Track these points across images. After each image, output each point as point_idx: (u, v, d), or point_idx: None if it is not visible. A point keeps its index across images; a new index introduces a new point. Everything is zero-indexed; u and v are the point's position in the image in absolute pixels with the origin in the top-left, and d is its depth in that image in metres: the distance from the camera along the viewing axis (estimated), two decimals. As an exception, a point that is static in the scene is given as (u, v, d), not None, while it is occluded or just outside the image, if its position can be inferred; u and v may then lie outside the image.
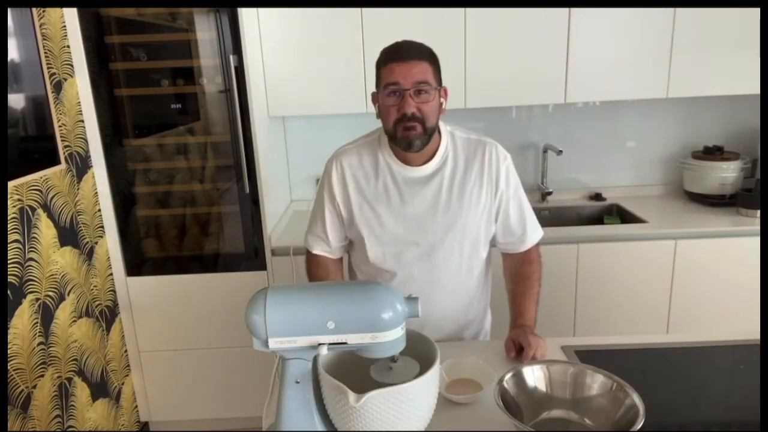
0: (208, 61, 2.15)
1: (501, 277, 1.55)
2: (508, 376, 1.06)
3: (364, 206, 1.38)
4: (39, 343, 1.83)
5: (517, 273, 1.47)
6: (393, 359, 1.00)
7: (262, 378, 2.26)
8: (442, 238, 1.36)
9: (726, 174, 2.51)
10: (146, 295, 2.32)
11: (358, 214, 1.38)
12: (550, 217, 2.72)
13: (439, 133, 1.38)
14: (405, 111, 1.25)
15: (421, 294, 1.35)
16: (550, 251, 2.26)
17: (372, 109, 1.37)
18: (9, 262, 1.71)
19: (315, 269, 1.49)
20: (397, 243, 1.37)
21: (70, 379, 2.00)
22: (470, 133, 1.43)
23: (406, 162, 1.36)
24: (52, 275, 1.92)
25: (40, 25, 1.88)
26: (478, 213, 1.38)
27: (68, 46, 2.05)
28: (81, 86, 2.10)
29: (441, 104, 1.32)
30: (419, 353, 1.02)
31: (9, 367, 1.69)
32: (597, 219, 2.73)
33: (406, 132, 1.27)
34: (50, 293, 1.90)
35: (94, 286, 2.18)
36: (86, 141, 2.15)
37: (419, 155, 1.35)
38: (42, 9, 1.90)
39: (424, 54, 1.28)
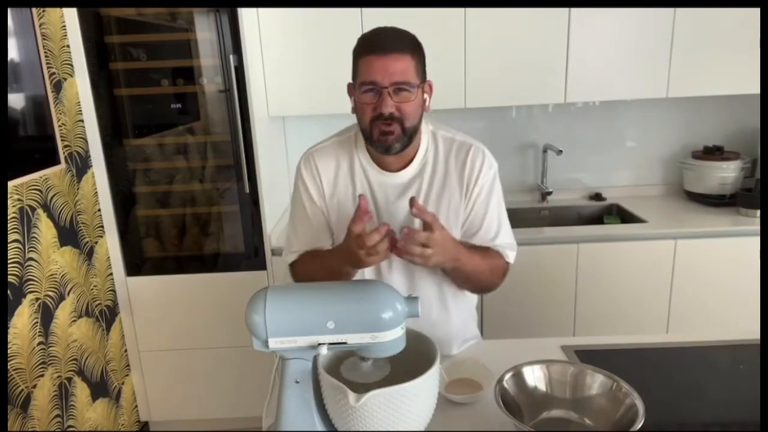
0: (208, 61, 2.15)
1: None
2: (508, 376, 1.06)
3: (341, 214, 1.27)
4: (39, 343, 1.83)
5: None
6: (363, 357, 0.99)
7: (262, 378, 2.25)
8: None
9: (726, 174, 2.51)
10: (146, 295, 2.32)
11: (334, 220, 1.29)
12: (550, 217, 2.72)
13: (420, 133, 1.26)
14: (382, 111, 1.13)
15: None
16: (550, 251, 2.28)
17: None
18: (9, 262, 1.71)
19: (308, 260, 1.30)
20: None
21: (70, 379, 2.00)
22: (456, 133, 1.31)
23: (383, 166, 1.26)
24: (52, 275, 1.92)
25: (40, 25, 1.88)
26: (458, 223, 1.28)
27: (68, 46, 2.05)
28: (81, 86, 2.10)
29: (424, 101, 1.20)
30: (419, 353, 1.02)
31: (9, 367, 1.69)
32: (597, 219, 2.73)
33: (384, 136, 1.16)
34: (50, 293, 1.90)
35: (94, 286, 2.18)
36: (86, 141, 2.15)
37: (397, 159, 1.24)
38: (42, 9, 1.89)
39: (406, 45, 1.15)
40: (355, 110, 1.21)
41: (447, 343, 1.37)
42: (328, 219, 1.31)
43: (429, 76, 1.24)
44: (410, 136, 1.19)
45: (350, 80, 1.22)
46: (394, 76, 1.12)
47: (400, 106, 1.14)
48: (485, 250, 1.28)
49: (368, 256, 1.08)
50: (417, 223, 1.15)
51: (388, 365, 1.00)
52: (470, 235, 1.30)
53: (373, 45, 1.14)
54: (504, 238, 1.31)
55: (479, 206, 1.28)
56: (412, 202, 1.08)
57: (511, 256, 1.32)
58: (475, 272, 1.24)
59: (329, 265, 1.23)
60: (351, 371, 0.99)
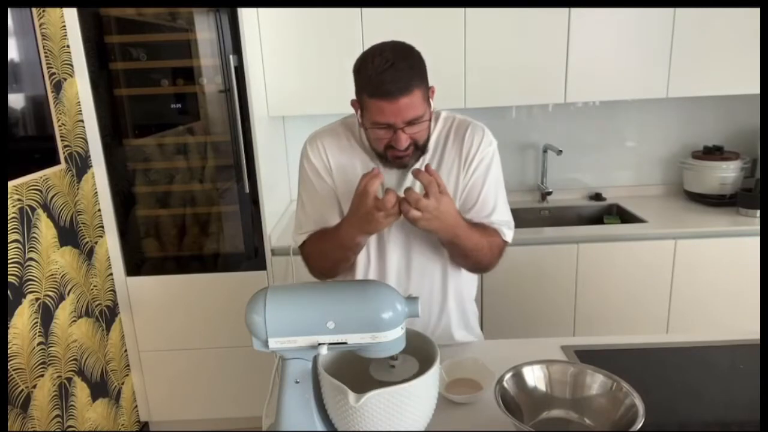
0: (208, 61, 2.15)
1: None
2: (508, 376, 1.06)
3: (348, 189, 1.25)
4: (39, 343, 1.83)
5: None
6: (393, 357, 1.00)
7: (262, 378, 2.26)
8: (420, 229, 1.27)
9: (726, 174, 2.51)
10: (146, 295, 2.32)
11: (342, 196, 1.30)
12: (550, 217, 2.72)
13: None
14: (398, 147, 1.17)
15: (400, 279, 1.32)
16: (550, 251, 2.28)
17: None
18: (9, 262, 1.71)
19: (317, 239, 1.29)
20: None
21: (69, 379, 2.00)
22: (456, 113, 1.34)
23: None
24: (52, 275, 1.92)
25: (40, 25, 1.88)
26: (455, 198, 1.28)
27: (68, 46, 2.05)
28: (81, 86, 2.10)
29: (431, 113, 1.23)
30: (419, 353, 1.02)
31: (9, 367, 1.69)
32: (597, 219, 2.73)
33: (399, 159, 1.21)
34: (50, 293, 1.90)
35: (94, 286, 2.18)
36: (86, 141, 2.15)
37: None
38: (42, 9, 1.89)
39: (413, 79, 1.13)
40: (362, 124, 1.23)
41: (447, 329, 1.39)
42: (336, 193, 1.32)
43: (430, 80, 1.24)
44: (423, 148, 1.24)
45: (351, 94, 1.22)
46: (408, 116, 1.14)
47: (414, 135, 1.18)
48: (483, 227, 1.28)
49: (386, 218, 1.10)
50: (418, 186, 1.15)
51: (416, 361, 1.00)
52: (466, 209, 1.30)
53: (382, 90, 1.12)
54: (501, 216, 1.31)
55: (476, 180, 1.29)
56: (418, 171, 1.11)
57: (508, 235, 1.32)
58: (474, 249, 1.24)
59: (339, 240, 1.22)
60: (380, 372, 0.99)
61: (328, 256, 1.27)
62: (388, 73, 1.11)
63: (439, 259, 1.35)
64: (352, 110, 1.26)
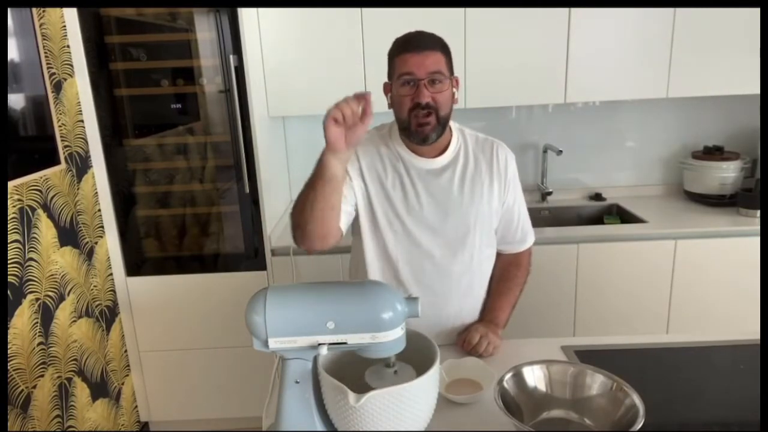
0: (208, 61, 2.15)
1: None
2: (508, 376, 1.06)
3: (380, 194, 1.37)
4: (39, 343, 1.83)
5: (502, 273, 1.50)
6: (389, 364, 1.00)
7: (262, 378, 2.26)
8: (455, 230, 1.37)
9: (726, 174, 2.51)
10: (146, 295, 2.32)
11: (375, 201, 1.37)
12: (550, 217, 2.72)
13: (450, 128, 1.39)
14: (419, 101, 1.26)
15: (432, 286, 1.38)
16: (550, 251, 2.27)
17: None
18: (9, 262, 1.71)
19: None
20: (409, 234, 1.37)
21: (70, 379, 2.00)
22: (477, 132, 1.46)
23: (418, 154, 1.37)
24: (52, 275, 1.92)
25: (40, 25, 1.88)
26: (491, 207, 1.40)
27: (68, 46, 2.05)
28: (81, 86, 2.10)
29: (453, 94, 1.34)
30: (419, 353, 1.02)
31: (9, 367, 1.69)
32: (597, 219, 2.73)
33: (421, 127, 1.28)
34: (50, 293, 1.90)
35: (94, 286, 2.18)
36: (86, 141, 2.15)
37: (432, 148, 1.37)
38: (42, 9, 1.90)
39: (437, 44, 1.29)
40: (392, 105, 1.35)
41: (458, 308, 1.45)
42: (355, 196, 1.37)
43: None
44: (444, 125, 1.32)
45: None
46: (429, 67, 1.26)
47: (435, 96, 1.27)
48: (510, 277, 1.49)
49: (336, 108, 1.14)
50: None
51: (412, 369, 1.00)
52: (510, 227, 1.47)
53: (408, 44, 1.28)
54: (528, 231, 1.52)
55: (513, 195, 1.45)
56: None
57: (531, 241, 1.53)
58: (515, 301, 1.51)
59: (313, 174, 1.22)
60: (376, 379, 0.99)
61: (305, 191, 1.27)
62: (417, 34, 1.31)
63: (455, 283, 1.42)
64: (386, 106, 1.32)
